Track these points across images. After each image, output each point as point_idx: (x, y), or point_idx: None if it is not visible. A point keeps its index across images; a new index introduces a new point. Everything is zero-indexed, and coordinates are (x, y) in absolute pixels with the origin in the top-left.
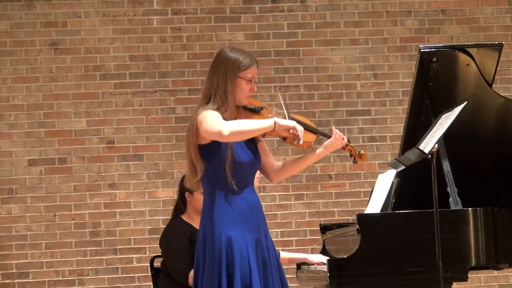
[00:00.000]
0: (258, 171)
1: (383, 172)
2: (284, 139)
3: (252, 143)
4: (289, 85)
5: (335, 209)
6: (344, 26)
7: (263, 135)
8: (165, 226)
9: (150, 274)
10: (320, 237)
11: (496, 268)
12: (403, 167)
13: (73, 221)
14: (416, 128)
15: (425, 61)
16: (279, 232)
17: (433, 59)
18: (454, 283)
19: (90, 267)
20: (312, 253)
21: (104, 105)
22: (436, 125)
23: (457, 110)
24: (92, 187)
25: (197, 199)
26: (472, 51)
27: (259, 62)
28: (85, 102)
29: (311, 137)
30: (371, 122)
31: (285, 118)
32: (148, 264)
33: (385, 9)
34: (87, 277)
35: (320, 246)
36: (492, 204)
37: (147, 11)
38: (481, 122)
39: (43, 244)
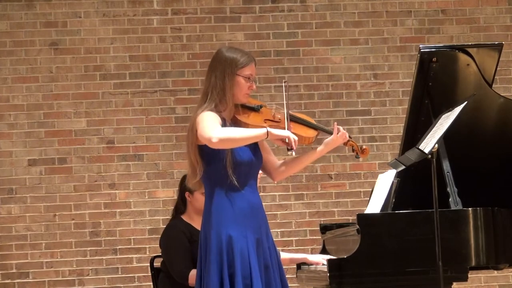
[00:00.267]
0: (260, 171)
1: (383, 172)
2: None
3: (253, 142)
4: (289, 85)
5: (335, 209)
6: (344, 26)
7: None
8: (165, 226)
9: (150, 274)
10: (320, 237)
11: (496, 268)
12: (403, 167)
13: (73, 221)
14: (416, 128)
15: (425, 61)
16: (279, 232)
17: (433, 59)
18: (454, 283)
19: (90, 267)
20: (312, 253)
21: (104, 105)
22: (436, 125)
23: (457, 110)
24: (92, 187)
25: (197, 199)
26: (472, 51)
27: (259, 62)
28: (85, 102)
29: (312, 133)
30: (371, 122)
31: (285, 118)
32: (148, 264)
33: (385, 9)
34: (87, 277)
35: (320, 246)
36: (492, 204)
37: (147, 11)
38: (481, 122)
39: (43, 244)
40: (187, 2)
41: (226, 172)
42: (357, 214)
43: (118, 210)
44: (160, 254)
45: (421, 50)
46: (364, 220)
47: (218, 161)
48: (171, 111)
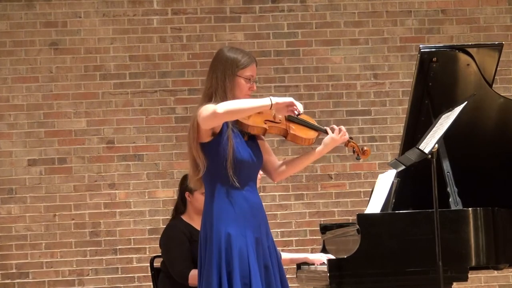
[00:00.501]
0: (260, 171)
1: (383, 172)
2: (285, 136)
3: (253, 142)
4: (289, 85)
5: (335, 209)
6: (344, 26)
7: (264, 134)
8: (165, 226)
9: (150, 274)
10: (320, 237)
11: (496, 268)
12: (403, 167)
13: (73, 221)
14: (416, 128)
15: (425, 61)
16: (279, 232)
17: (433, 59)
18: (454, 283)
19: (90, 267)
20: (312, 253)
21: (104, 105)
22: (436, 125)
23: (457, 110)
24: (92, 187)
25: (197, 199)
26: (472, 51)
27: (259, 62)
28: (85, 102)
29: (313, 134)
30: (371, 122)
31: (285, 118)
32: (148, 264)
33: (385, 9)
34: (87, 277)
35: (320, 246)
36: (492, 204)
37: (147, 11)
38: (481, 122)
39: (43, 244)
40: (187, 2)
41: (227, 172)
42: (357, 214)
43: (118, 210)
44: (160, 254)
45: (421, 50)
46: (364, 220)
47: (220, 158)
48: (171, 111)
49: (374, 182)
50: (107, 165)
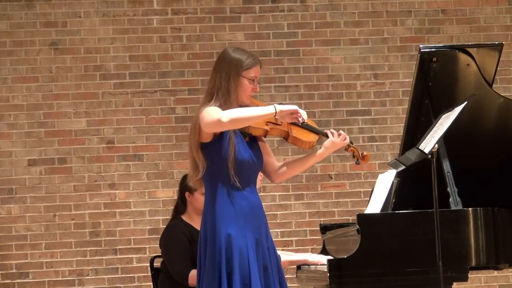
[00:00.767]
0: (260, 173)
1: (383, 172)
2: (286, 139)
3: (254, 143)
4: (289, 85)
5: (335, 209)
6: (344, 26)
7: (265, 135)
8: (165, 226)
9: (150, 274)
10: (320, 237)
11: (496, 268)
12: (403, 167)
13: (73, 221)
14: (416, 128)
15: (425, 61)
16: (279, 232)
17: (433, 59)
18: (454, 283)
19: (90, 267)
20: (312, 253)
21: (104, 105)
22: (436, 125)
23: (457, 110)
24: (92, 187)
25: (197, 199)
26: (472, 51)
27: None
28: (85, 102)
29: (313, 137)
30: (371, 122)
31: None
32: (148, 264)
33: (385, 9)
34: (87, 277)
35: (320, 246)
36: (492, 204)
37: (147, 11)
38: (481, 122)
39: (43, 244)
40: (187, 2)
41: (229, 172)
42: (357, 214)
43: (118, 210)
44: (160, 254)
45: (421, 50)
46: (364, 220)
47: (221, 158)
48: (171, 111)
49: (374, 182)
50: (107, 165)
